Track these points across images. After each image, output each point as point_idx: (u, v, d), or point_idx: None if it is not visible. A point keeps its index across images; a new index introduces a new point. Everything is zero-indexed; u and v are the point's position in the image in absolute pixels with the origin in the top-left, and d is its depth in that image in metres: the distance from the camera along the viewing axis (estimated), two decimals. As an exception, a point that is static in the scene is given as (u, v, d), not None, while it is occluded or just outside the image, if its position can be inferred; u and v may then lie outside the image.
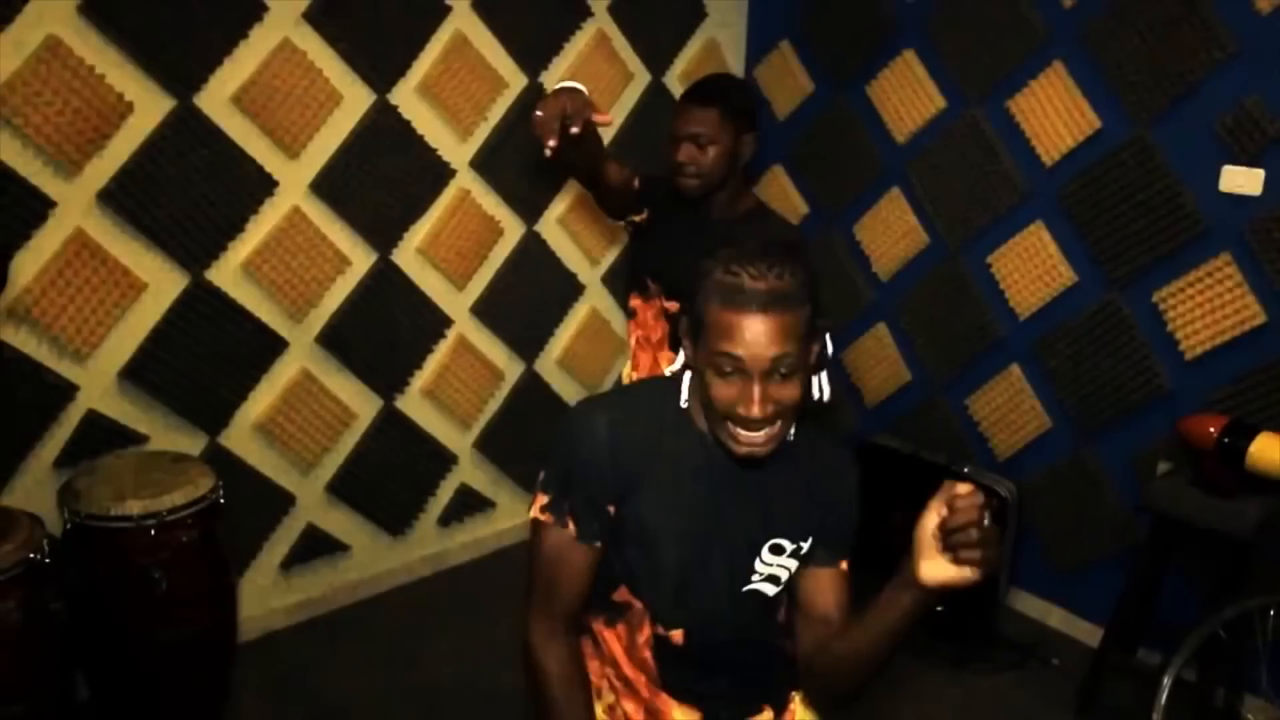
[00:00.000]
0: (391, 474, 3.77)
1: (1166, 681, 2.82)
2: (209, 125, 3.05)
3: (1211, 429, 2.96)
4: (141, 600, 2.73)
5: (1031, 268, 3.64)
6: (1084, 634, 3.65)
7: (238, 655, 3.12)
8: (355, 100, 3.35)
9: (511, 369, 4.05)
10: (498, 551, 4.16)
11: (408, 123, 3.48)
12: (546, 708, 1.63)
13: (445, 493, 3.98)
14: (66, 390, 2.96)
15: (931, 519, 1.38)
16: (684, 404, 1.62)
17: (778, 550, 1.65)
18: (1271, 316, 3.10)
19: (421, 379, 3.77)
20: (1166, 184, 3.23)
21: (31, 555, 2.48)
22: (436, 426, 3.87)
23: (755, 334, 1.43)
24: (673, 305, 2.55)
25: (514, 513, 4.23)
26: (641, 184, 2.80)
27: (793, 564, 1.67)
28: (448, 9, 3.48)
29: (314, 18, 3.18)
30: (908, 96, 3.90)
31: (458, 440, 3.96)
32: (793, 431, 1.61)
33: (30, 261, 2.82)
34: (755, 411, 1.45)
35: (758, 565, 1.64)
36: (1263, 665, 2.86)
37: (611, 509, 1.61)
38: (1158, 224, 3.27)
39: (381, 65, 3.37)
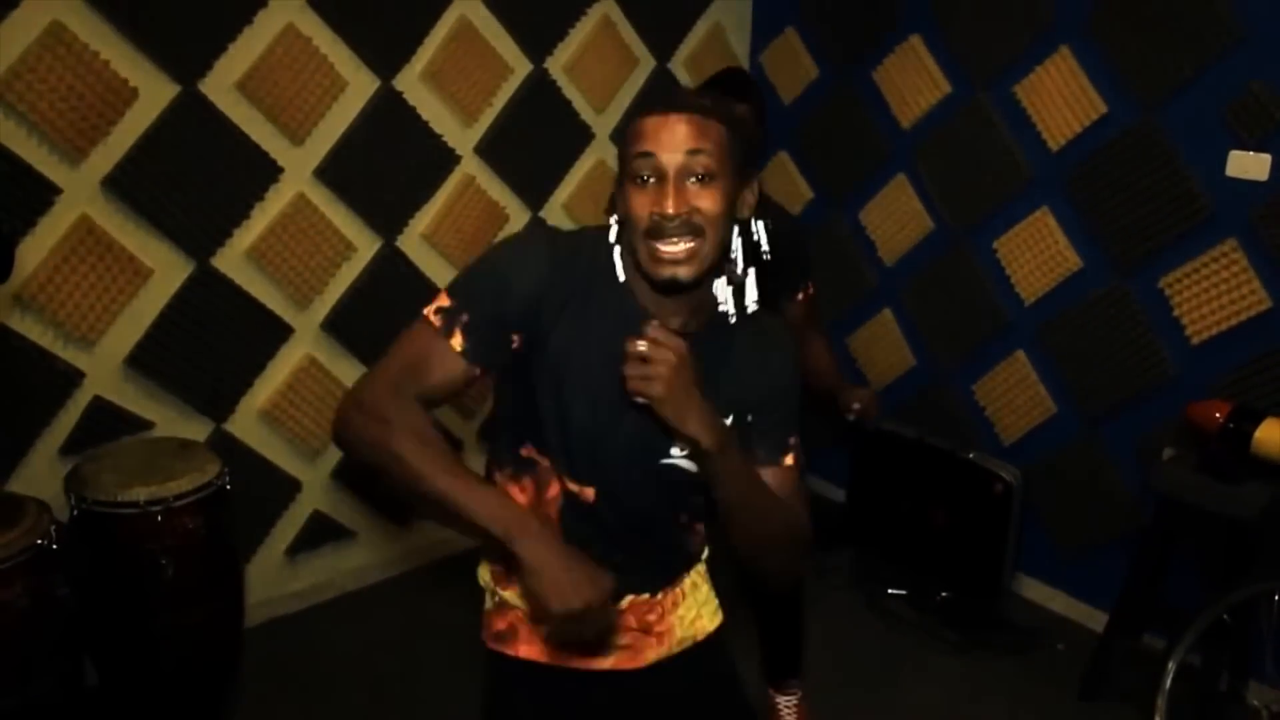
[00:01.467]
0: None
1: (1171, 666, 2.83)
2: (214, 111, 3.04)
3: (1217, 414, 2.96)
4: (148, 586, 2.74)
5: (1037, 253, 3.63)
6: (1089, 619, 3.66)
7: (244, 641, 3.13)
8: (360, 86, 3.34)
9: (516, 355, 4.05)
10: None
11: (413, 109, 3.47)
12: (399, 444, 1.41)
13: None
14: (72, 377, 2.97)
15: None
16: (617, 260, 1.54)
17: None
18: (1277, 302, 3.09)
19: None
20: (1173, 169, 3.22)
21: (39, 541, 2.49)
22: (442, 413, 3.87)
23: (670, 131, 1.41)
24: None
25: (519, 499, 4.24)
26: None
27: None
28: (452, -6, 3.48)
29: (318, 3, 3.17)
30: (913, 82, 3.88)
31: (462, 426, 3.96)
32: (730, 311, 1.58)
33: (35, 248, 2.82)
34: (670, 206, 1.40)
35: (676, 440, 1.52)
36: (1268, 650, 2.85)
37: (516, 339, 1.50)
38: (1164, 209, 3.26)
39: (386, 51, 3.37)
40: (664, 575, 1.75)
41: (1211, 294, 3.22)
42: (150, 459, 2.89)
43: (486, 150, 3.70)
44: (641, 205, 1.43)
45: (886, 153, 4.04)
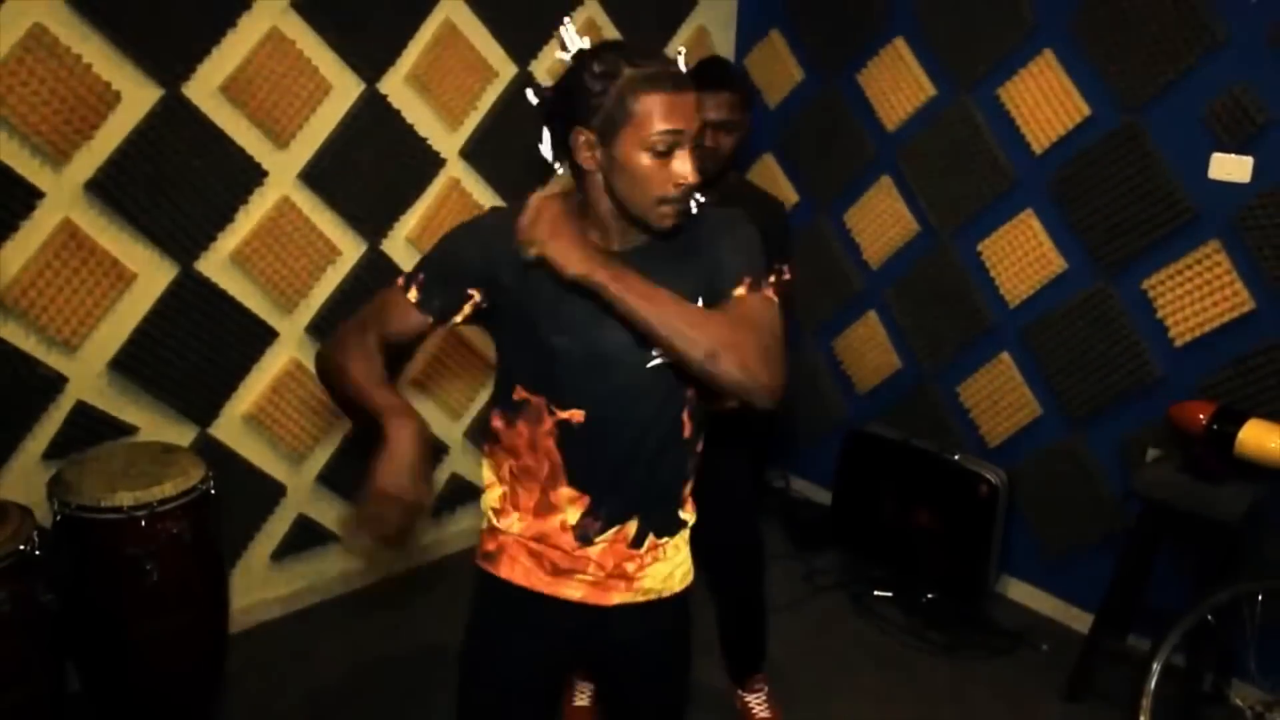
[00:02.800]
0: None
1: (1156, 667, 2.84)
2: (197, 115, 3.03)
3: (1201, 415, 2.98)
4: (132, 591, 2.72)
5: (1021, 255, 3.65)
6: (1074, 620, 3.67)
7: (229, 646, 3.12)
8: (344, 89, 3.33)
9: (503, 359, 4.04)
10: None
11: (397, 112, 3.47)
12: (337, 359, 1.79)
13: (437, 483, 3.98)
14: (55, 381, 2.95)
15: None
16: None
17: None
18: (1260, 303, 3.11)
19: (412, 369, 3.77)
20: (1156, 171, 3.23)
21: (21, 547, 2.48)
22: (428, 416, 3.86)
23: (691, 109, 1.61)
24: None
25: (505, 502, 4.24)
26: None
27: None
28: (437, -3, 3.47)
29: (302, 6, 3.16)
30: (898, 84, 3.90)
31: (449, 430, 3.96)
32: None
33: (18, 252, 2.81)
34: (692, 177, 1.61)
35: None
36: (1251, 650, 2.87)
37: (476, 294, 1.74)
38: (1147, 211, 3.28)
39: (371, 54, 3.36)
40: (659, 504, 1.86)
41: (1195, 295, 3.23)
42: (134, 463, 2.88)
43: (471, 154, 3.70)
44: (664, 177, 1.61)
45: (871, 155, 4.05)
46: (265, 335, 3.35)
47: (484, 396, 4.01)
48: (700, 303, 1.69)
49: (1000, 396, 3.83)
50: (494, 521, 1.91)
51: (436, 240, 1.81)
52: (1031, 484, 3.77)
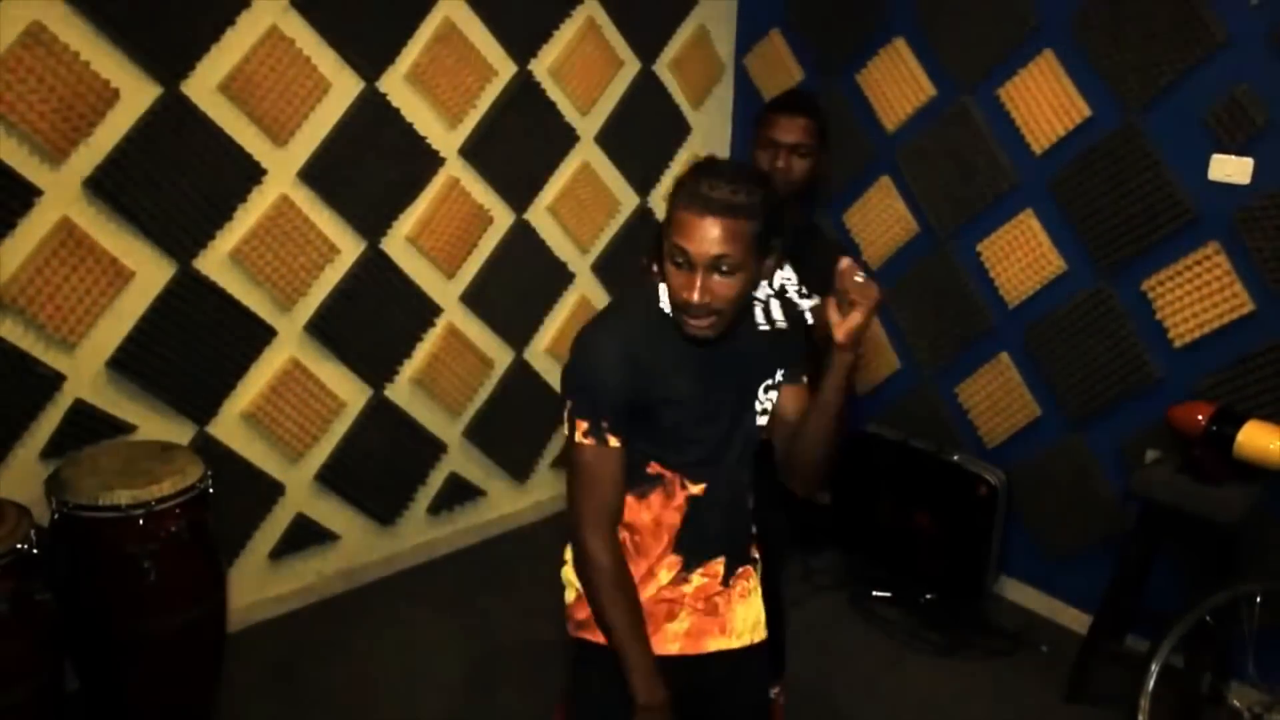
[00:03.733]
0: (381, 463, 3.77)
1: (1154, 668, 2.84)
2: (196, 113, 3.03)
3: (1200, 417, 2.98)
4: (130, 590, 2.72)
5: (1021, 256, 3.65)
6: (1073, 621, 3.67)
7: (227, 645, 3.12)
8: (344, 88, 3.33)
9: (501, 357, 4.05)
10: (488, 540, 4.16)
11: (397, 110, 3.46)
12: (604, 596, 1.86)
13: (435, 482, 3.98)
14: (53, 380, 2.95)
15: (832, 307, 1.86)
16: (664, 306, 1.86)
17: (769, 389, 1.99)
18: (1259, 305, 3.11)
19: (411, 368, 3.77)
20: (1156, 172, 3.23)
21: (19, 545, 2.47)
22: (426, 415, 3.86)
23: (703, 232, 1.71)
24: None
25: (504, 501, 4.24)
26: None
27: (775, 394, 2.00)
28: (436, -4, 3.47)
29: (302, 4, 3.16)
30: (898, 85, 3.89)
31: (447, 429, 3.95)
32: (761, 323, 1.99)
33: (16, 250, 2.80)
34: (695, 297, 1.73)
35: (756, 404, 1.97)
36: (1249, 651, 2.87)
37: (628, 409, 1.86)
38: (1147, 212, 3.28)
39: (370, 53, 3.36)
40: (736, 546, 2.07)
41: (1194, 297, 3.23)
42: (132, 462, 2.87)
43: (471, 152, 3.69)
44: (675, 283, 1.77)
45: (871, 155, 4.05)
46: (264, 334, 3.35)
47: (482, 395, 4.01)
48: (780, 375, 2.01)
49: (999, 397, 3.83)
50: (579, 588, 2.00)
51: (575, 383, 1.87)
52: (1030, 485, 3.76)
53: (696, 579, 2.00)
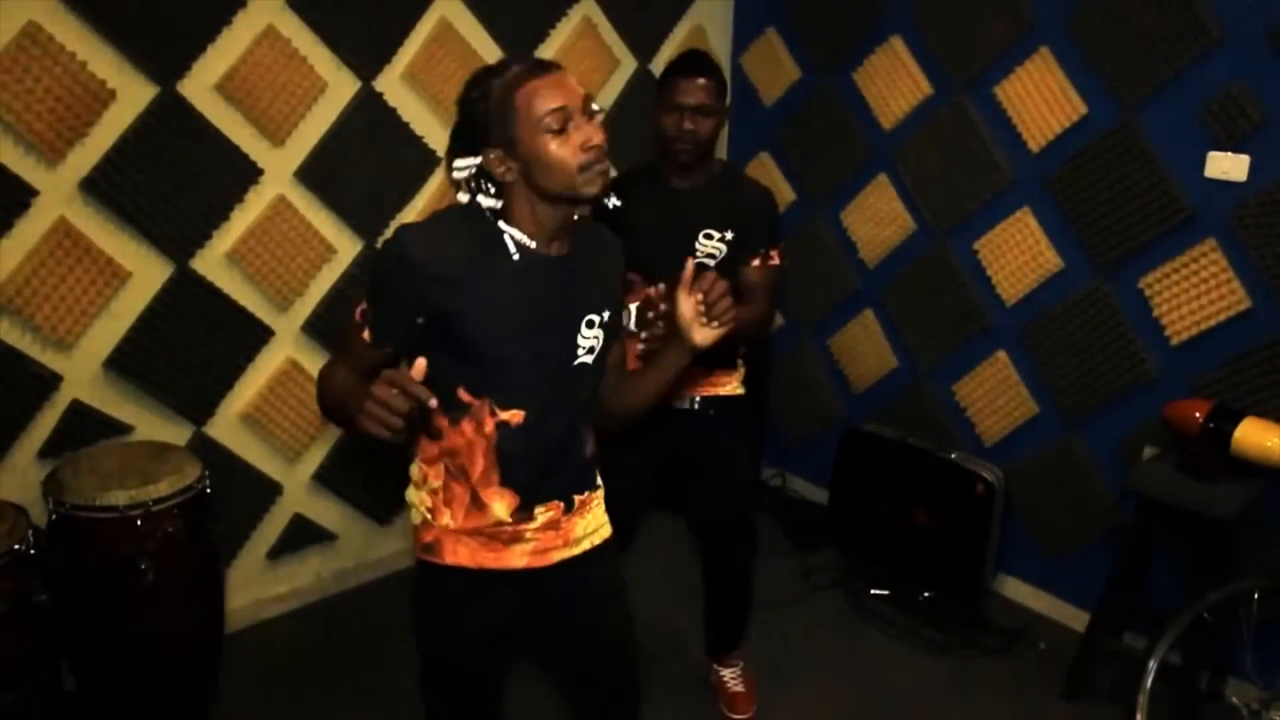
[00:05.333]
0: (379, 463, 3.76)
1: (1152, 665, 2.83)
2: (193, 113, 3.03)
3: (1197, 414, 2.98)
4: (128, 591, 2.72)
5: (1018, 254, 3.65)
6: (1070, 618, 3.67)
7: (225, 645, 3.12)
8: (340, 87, 3.33)
9: (499, 357, 4.04)
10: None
11: (393, 110, 3.46)
12: (337, 392, 1.87)
13: (433, 481, 3.97)
14: (50, 380, 2.95)
15: (687, 302, 1.86)
16: (500, 224, 1.83)
17: (591, 324, 1.91)
18: (1256, 302, 3.11)
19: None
20: (1152, 170, 3.23)
21: (16, 546, 2.47)
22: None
23: (566, 84, 1.77)
24: (657, 291, 2.57)
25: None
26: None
27: (602, 334, 1.94)
28: (433, -5, 3.47)
29: (298, 4, 3.16)
30: (894, 83, 3.89)
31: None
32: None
33: (12, 251, 2.80)
34: (597, 138, 1.77)
35: (579, 340, 1.90)
36: (1247, 648, 2.87)
37: (421, 319, 1.80)
38: (1144, 210, 3.28)
39: (367, 52, 3.35)
40: (578, 482, 2.03)
41: (1191, 294, 3.23)
42: (130, 462, 2.87)
43: (468, 152, 3.69)
44: (565, 148, 1.76)
45: (868, 154, 4.05)
46: (261, 334, 3.35)
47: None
48: (606, 315, 1.95)
49: (997, 395, 3.83)
50: (428, 517, 2.03)
51: (375, 268, 1.85)
52: (1028, 482, 3.77)
53: (540, 515, 1.97)
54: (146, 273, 3.06)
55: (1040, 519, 3.78)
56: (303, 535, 3.64)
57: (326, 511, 3.69)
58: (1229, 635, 2.91)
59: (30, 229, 2.82)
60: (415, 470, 2.05)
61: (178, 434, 3.24)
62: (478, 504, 1.94)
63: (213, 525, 2.95)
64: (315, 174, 3.32)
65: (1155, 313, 3.33)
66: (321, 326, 3.46)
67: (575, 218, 1.86)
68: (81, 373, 3.01)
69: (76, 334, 2.97)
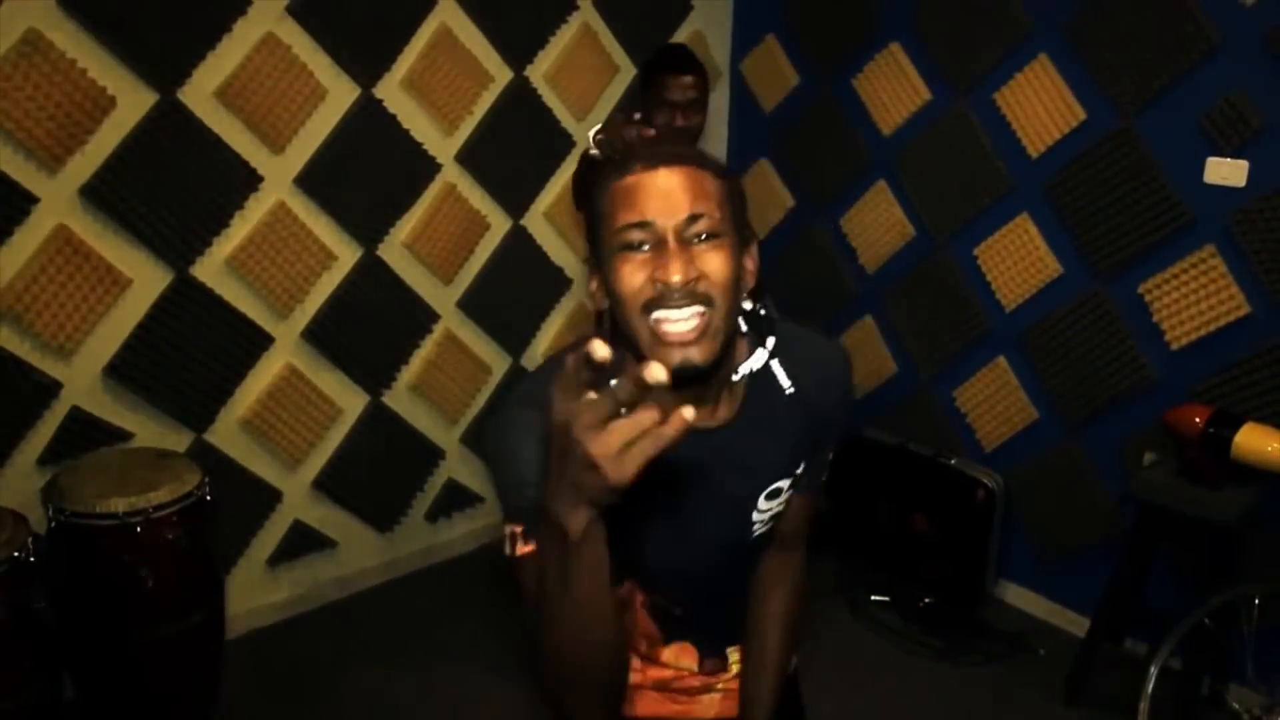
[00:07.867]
0: (378, 469, 3.76)
1: (1153, 670, 2.84)
2: (193, 120, 3.03)
3: (1197, 419, 2.98)
4: (128, 598, 2.72)
5: (1018, 259, 3.65)
6: (1071, 624, 3.67)
7: (225, 652, 3.11)
8: (340, 94, 3.33)
9: (498, 363, 4.04)
10: (485, 546, 4.15)
11: (393, 117, 3.46)
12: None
13: (433, 488, 3.97)
14: (50, 387, 2.95)
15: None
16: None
17: (774, 494, 1.47)
18: (1255, 307, 3.11)
19: (408, 374, 3.76)
20: (1151, 176, 3.24)
21: (15, 554, 2.47)
22: (423, 421, 3.86)
23: (662, 188, 1.20)
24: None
25: (502, 507, 4.23)
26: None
27: (788, 497, 1.51)
28: (433, 2, 3.46)
29: (298, 11, 3.16)
30: (894, 89, 3.90)
31: (445, 435, 3.95)
32: (761, 359, 1.40)
33: (12, 258, 2.80)
34: (675, 274, 1.16)
35: (754, 516, 1.47)
36: (1248, 653, 2.87)
37: None
38: (1143, 215, 3.28)
39: (366, 59, 3.36)
40: (731, 636, 1.71)
41: (1190, 299, 3.24)
42: (129, 469, 2.87)
43: (467, 158, 3.69)
44: (637, 278, 1.20)
45: (867, 160, 4.05)
46: (261, 341, 3.34)
47: (480, 401, 4.01)
48: (800, 469, 1.47)
49: (997, 401, 3.83)
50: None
51: (505, 483, 1.28)
52: (1028, 488, 3.76)
53: (733, 667, 1.69)
54: (146, 280, 3.06)
55: (1041, 524, 3.78)
56: (302, 542, 3.63)
57: (326, 518, 3.69)
58: (1230, 640, 2.91)
59: (30, 236, 2.82)
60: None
61: (177, 441, 3.23)
62: (655, 661, 1.64)
63: (213, 532, 2.94)
64: (315, 181, 3.33)
65: (1155, 318, 3.33)
66: (321, 333, 3.46)
67: (713, 384, 1.33)
68: (81, 380, 3.01)
69: (76, 341, 2.97)
